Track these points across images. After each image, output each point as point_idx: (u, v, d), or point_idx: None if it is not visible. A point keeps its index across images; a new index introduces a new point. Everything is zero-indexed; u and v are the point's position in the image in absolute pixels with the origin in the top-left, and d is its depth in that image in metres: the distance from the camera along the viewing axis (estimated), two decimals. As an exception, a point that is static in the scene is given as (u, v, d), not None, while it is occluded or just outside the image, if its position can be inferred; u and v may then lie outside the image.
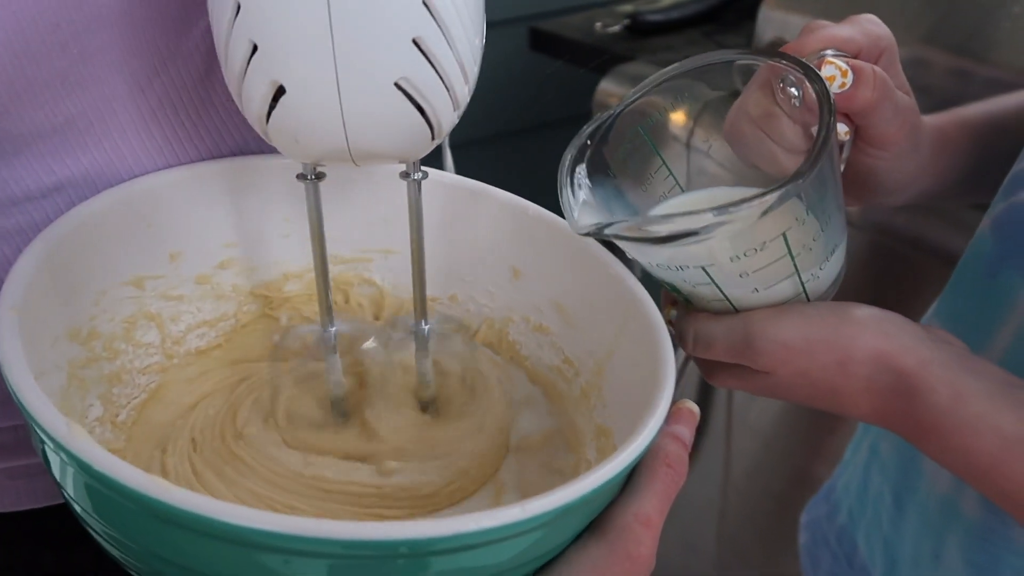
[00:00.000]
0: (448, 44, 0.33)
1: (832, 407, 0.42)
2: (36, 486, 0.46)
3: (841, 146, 0.45)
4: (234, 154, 0.46)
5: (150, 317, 0.44)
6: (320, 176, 0.39)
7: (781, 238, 0.38)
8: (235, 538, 0.27)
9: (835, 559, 0.66)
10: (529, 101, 1.22)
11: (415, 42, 0.32)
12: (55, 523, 0.46)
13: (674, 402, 0.37)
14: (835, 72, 0.41)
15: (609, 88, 1.01)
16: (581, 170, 0.41)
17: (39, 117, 0.39)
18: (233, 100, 0.35)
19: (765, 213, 0.36)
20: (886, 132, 0.43)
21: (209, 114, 0.45)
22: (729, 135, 0.44)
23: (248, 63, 0.33)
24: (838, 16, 0.96)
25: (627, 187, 0.43)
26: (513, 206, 0.46)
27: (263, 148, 0.47)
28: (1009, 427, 0.39)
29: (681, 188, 0.45)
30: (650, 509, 0.33)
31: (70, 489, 0.31)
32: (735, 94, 0.45)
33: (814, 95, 0.39)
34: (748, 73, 0.44)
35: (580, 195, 0.41)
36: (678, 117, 0.45)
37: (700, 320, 0.42)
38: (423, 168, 0.39)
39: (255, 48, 0.32)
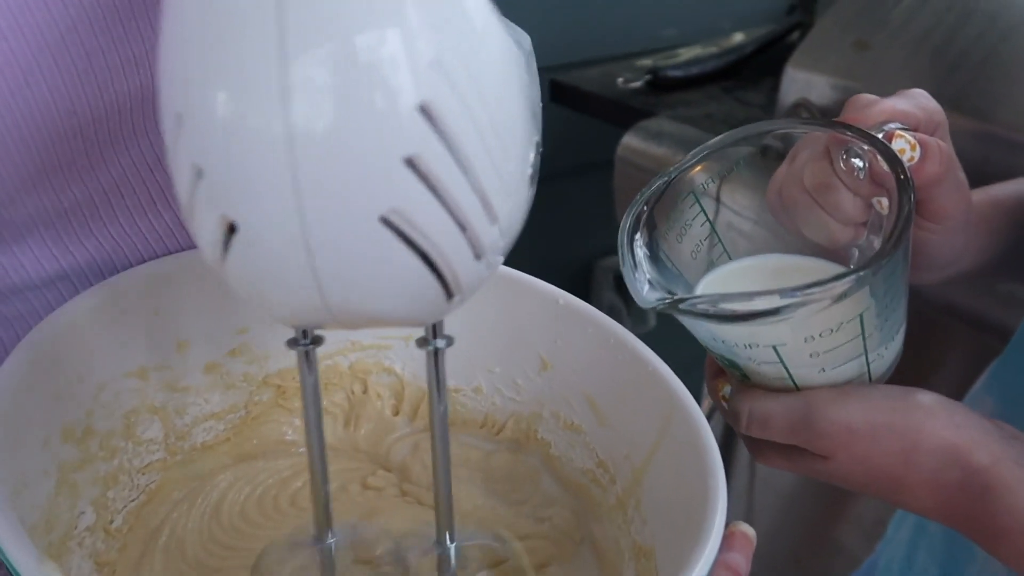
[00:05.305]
0: (458, 166, 0.25)
1: (890, 497, 0.40)
2: None
3: None
4: None
5: (153, 410, 0.41)
6: (317, 341, 0.31)
7: (857, 319, 0.37)
8: None
9: None
10: (550, 152, 1.20)
11: (409, 162, 0.24)
12: None
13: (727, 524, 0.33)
14: (905, 146, 0.40)
15: (633, 143, 0.99)
16: (639, 239, 0.40)
17: (44, 203, 0.37)
18: None
19: (845, 294, 0.35)
20: (945, 206, 0.43)
21: None
22: (777, 203, 0.42)
23: (194, 192, 0.25)
24: (865, 78, 0.93)
25: (674, 252, 0.42)
26: (541, 294, 0.43)
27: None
28: None
29: (729, 256, 0.43)
30: None
31: None
32: (763, 150, 0.44)
33: (886, 169, 0.38)
34: (781, 135, 0.43)
35: (641, 264, 0.39)
36: (712, 177, 0.44)
37: (757, 397, 0.40)
38: (447, 335, 0.31)
39: (200, 173, 0.25)
